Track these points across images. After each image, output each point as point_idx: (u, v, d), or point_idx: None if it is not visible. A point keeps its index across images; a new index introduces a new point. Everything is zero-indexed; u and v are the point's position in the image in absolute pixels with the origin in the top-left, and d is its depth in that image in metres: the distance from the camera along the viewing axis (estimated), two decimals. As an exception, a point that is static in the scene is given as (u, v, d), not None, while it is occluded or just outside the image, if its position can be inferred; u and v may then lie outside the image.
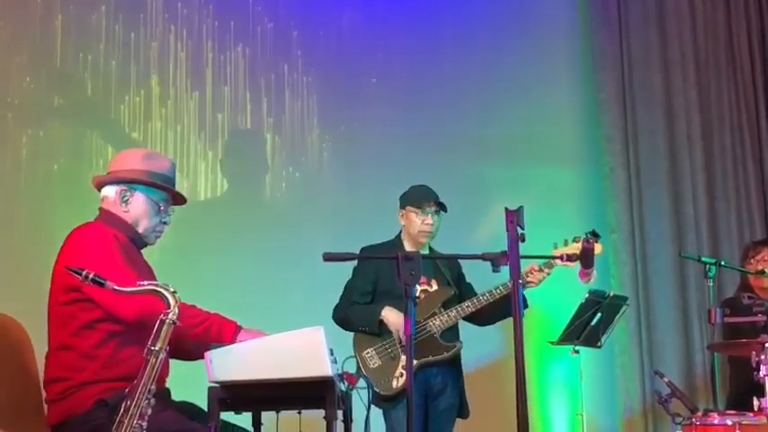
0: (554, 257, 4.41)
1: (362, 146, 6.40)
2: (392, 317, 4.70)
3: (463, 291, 4.93)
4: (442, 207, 4.91)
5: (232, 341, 3.56)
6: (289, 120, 6.26)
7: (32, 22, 5.75)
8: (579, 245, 4.63)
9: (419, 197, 4.92)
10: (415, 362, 4.58)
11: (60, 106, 5.81)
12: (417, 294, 3.47)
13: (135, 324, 3.47)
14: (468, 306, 4.77)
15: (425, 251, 4.94)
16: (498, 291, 4.73)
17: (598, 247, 4.71)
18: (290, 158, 6.28)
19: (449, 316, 4.76)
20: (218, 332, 3.58)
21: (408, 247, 4.92)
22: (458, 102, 6.62)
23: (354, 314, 4.78)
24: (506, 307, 4.71)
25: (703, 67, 7.13)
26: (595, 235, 4.69)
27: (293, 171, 6.27)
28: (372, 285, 4.85)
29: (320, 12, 6.45)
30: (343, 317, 4.80)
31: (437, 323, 4.74)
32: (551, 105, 6.87)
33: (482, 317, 4.90)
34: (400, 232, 4.99)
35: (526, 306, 4.81)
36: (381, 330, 4.73)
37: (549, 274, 4.72)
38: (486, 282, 4.71)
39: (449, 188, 6.21)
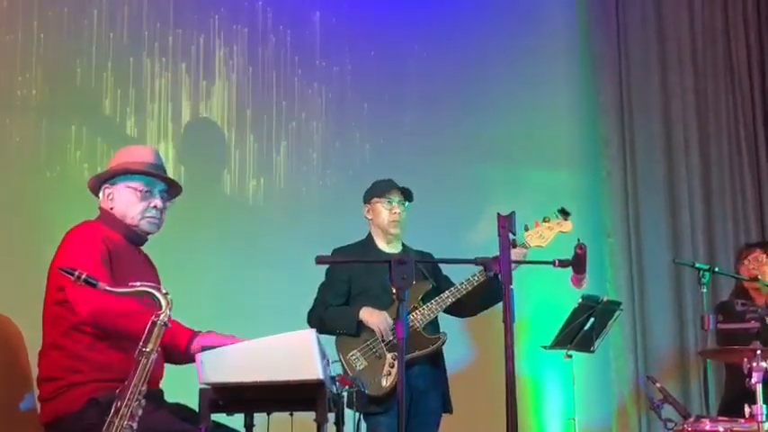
0: (547, 263, 4.40)
1: (356, 149, 6.40)
2: (371, 317, 4.66)
3: (440, 283, 4.88)
4: (406, 195, 4.87)
5: (185, 348, 3.54)
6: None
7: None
8: (549, 225, 4.68)
9: (383, 187, 4.88)
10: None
11: (55, 101, 5.78)
12: (395, 291, 3.47)
13: (90, 322, 3.47)
14: (447, 297, 4.73)
15: (398, 246, 4.90)
16: (476, 278, 4.68)
17: (568, 225, 4.71)
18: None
19: (429, 308, 4.71)
20: (170, 340, 3.45)
21: (380, 243, 4.89)
22: (456, 104, 6.61)
23: (331, 317, 4.72)
24: (485, 296, 4.76)
25: (701, 73, 7.15)
26: (565, 213, 4.70)
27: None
28: (347, 286, 4.79)
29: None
30: (318, 321, 4.71)
31: (419, 317, 4.68)
32: (549, 108, 6.87)
33: (462, 307, 4.86)
34: (370, 231, 4.94)
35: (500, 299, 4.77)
36: (360, 331, 4.68)
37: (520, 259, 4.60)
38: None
39: (447, 190, 6.28)
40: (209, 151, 6.14)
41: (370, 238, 4.94)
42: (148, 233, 3.84)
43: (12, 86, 5.56)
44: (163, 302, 3.22)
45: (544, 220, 4.73)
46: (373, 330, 4.67)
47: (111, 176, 3.79)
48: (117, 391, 3.19)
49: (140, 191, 3.76)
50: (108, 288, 3.21)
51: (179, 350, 3.58)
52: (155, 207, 3.78)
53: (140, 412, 3.18)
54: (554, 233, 4.73)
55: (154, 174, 3.80)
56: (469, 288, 4.72)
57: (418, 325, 4.69)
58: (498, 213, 3.41)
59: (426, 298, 4.76)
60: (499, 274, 4.38)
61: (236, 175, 6.10)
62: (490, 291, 4.70)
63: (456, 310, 4.88)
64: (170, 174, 4.07)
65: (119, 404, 3.16)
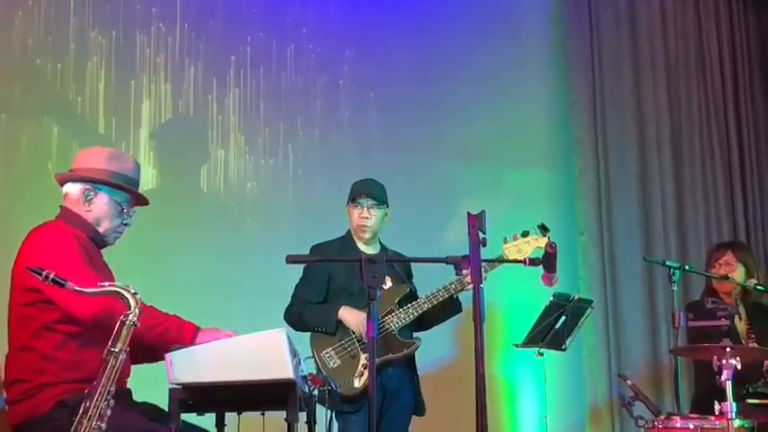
0: (518, 261, 4.41)
1: (333, 147, 6.39)
2: (350, 316, 4.63)
3: (412, 289, 4.88)
4: (376, 199, 4.81)
5: (191, 343, 3.55)
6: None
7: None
8: (527, 240, 4.69)
9: (354, 190, 4.84)
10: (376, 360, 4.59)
11: (22, 97, 5.72)
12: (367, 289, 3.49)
13: (92, 325, 3.47)
14: (424, 302, 4.70)
15: (376, 247, 4.88)
16: (453, 286, 4.66)
17: (544, 241, 4.70)
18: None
19: (406, 312, 4.69)
20: (177, 334, 3.56)
21: (359, 243, 4.86)
22: (429, 103, 6.61)
23: (310, 315, 4.68)
24: (445, 310, 4.80)
25: (673, 72, 7.18)
26: (544, 229, 4.71)
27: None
28: (325, 283, 4.77)
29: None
30: (297, 318, 4.70)
31: (395, 320, 4.66)
32: (523, 107, 6.88)
33: (426, 319, 4.83)
34: (350, 229, 4.92)
35: (460, 310, 4.83)
36: (338, 329, 4.65)
37: (488, 270, 4.59)
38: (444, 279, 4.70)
39: (420, 189, 6.29)
40: (187, 147, 6.14)
41: (349, 236, 4.91)
42: (109, 245, 3.87)
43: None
44: (132, 302, 3.20)
45: (523, 234, 4.72)
46: (349, 330, 4.64)
47: (98, 182, 3.77)
48: (85, 391, 3.18)
49: (122, 208, 3.79)
50: (77, 288, 3.18)
51: (184, 344, 3.56)
52: (125, 224, 3.84)
53: (109, 412, 3.17)
54: (532, 248, 4.72)
55: (140, 195, 3.85)
56: (446, 296, 4.70)
57: (394, 328, 4.67)
58: (468, 212, 3.41)
59: (403, 301, 4.74)
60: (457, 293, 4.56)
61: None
62: (451, 306, 4.77)
63: (417, 321, 4.82)
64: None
65: (87, 404, 3.14)
